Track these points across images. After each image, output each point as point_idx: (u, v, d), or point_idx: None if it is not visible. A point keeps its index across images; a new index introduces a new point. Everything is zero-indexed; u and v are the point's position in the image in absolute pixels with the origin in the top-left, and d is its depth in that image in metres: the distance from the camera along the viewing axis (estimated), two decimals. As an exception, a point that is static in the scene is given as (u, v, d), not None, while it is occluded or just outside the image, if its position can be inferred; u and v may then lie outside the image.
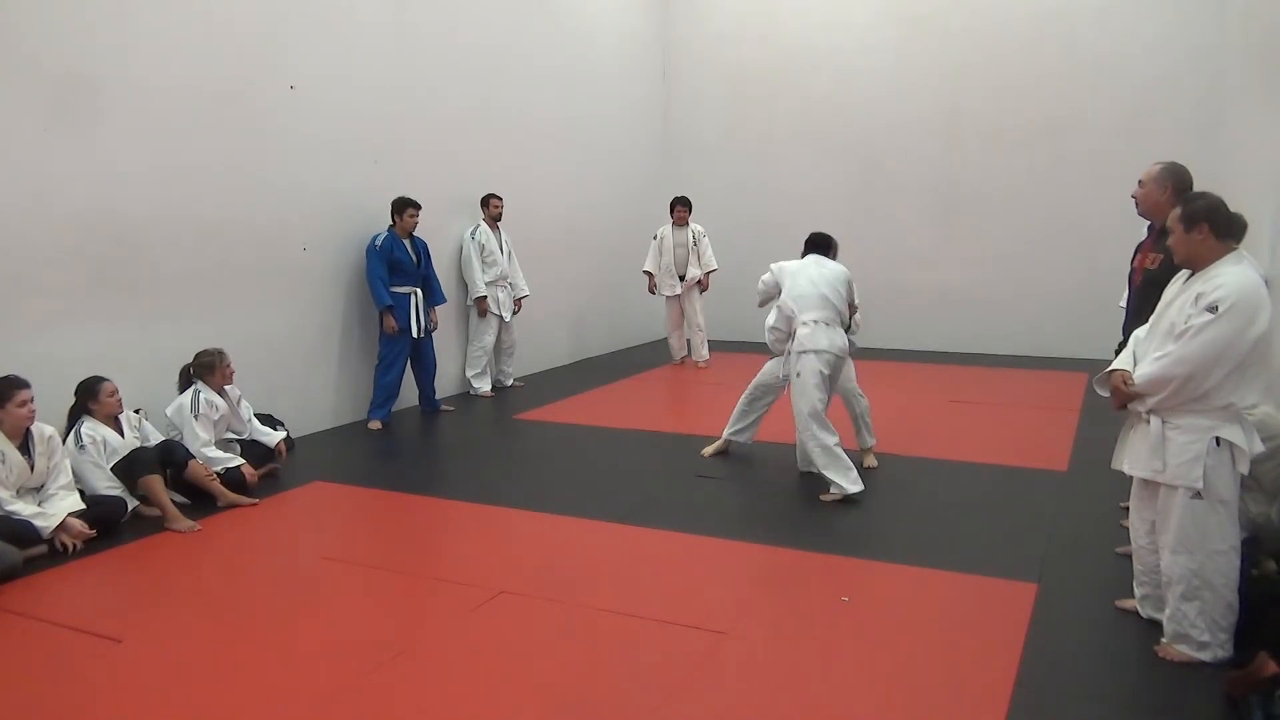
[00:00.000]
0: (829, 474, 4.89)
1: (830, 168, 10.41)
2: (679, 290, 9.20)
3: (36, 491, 4.31)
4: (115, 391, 4.73)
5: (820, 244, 5.40)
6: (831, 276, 5.13)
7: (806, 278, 5.10)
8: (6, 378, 4.23)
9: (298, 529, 4.68)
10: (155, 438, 4.92)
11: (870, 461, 5.50)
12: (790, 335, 5.08)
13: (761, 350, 5.37)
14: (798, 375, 5.00)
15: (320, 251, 6.53)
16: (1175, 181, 3.81)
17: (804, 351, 4.98)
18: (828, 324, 5.00)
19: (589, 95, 9.74)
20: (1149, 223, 4.06)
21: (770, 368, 5.50)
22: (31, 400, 4.24)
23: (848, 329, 5.19)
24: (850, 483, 4.86)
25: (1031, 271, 9.57)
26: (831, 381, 5.10)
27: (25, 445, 4.27)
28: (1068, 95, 9.31)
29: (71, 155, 4.94)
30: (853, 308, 5.27)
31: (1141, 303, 3.81)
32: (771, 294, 5.29)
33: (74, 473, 4.48)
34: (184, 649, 3.27)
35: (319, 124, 6.42)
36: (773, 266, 5.33)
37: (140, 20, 5.26)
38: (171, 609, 3.65)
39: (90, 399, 4.67)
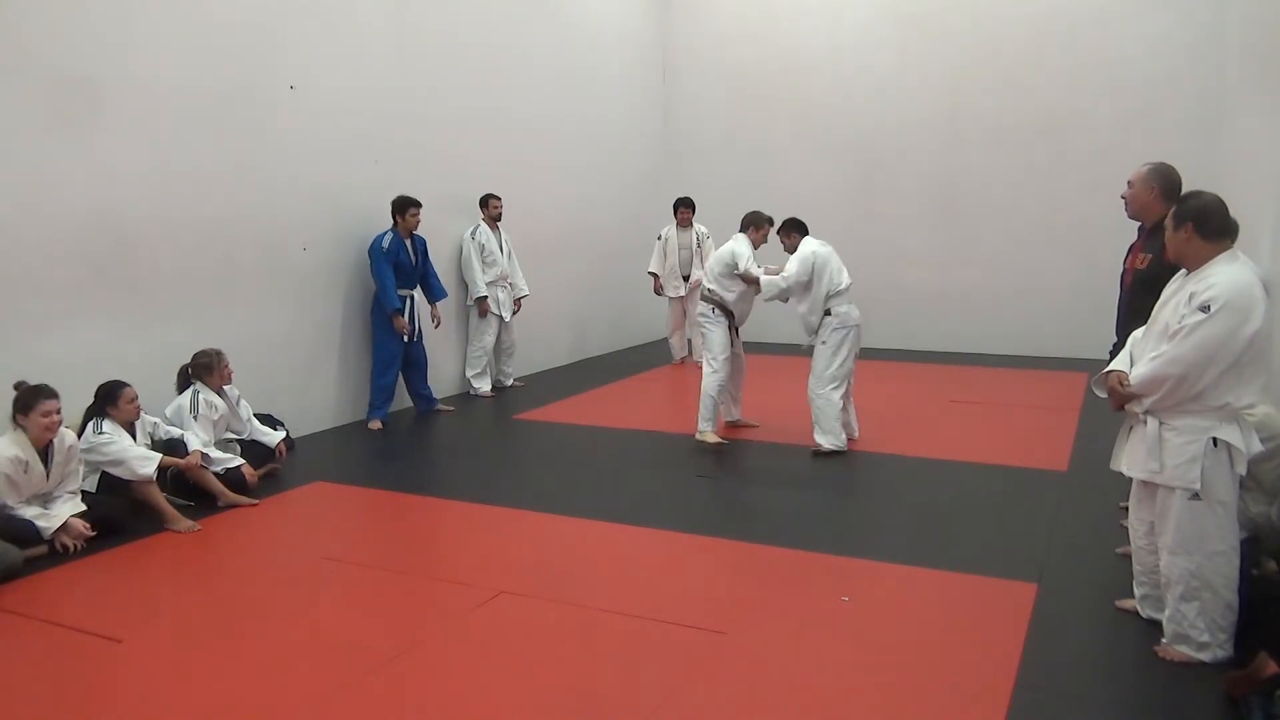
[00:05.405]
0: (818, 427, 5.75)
1: (830, 168, 10.40)
2: (683, 292, 9.19)
3: (43, 497, 4.28)
4: (135, 398, 4.68)
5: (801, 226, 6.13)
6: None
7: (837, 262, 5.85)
8: (36, 387, 4.19)
9: (298, 529, 4.69)
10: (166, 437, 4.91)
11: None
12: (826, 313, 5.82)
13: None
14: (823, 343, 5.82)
15: (320, 251, 6.54)
16: (1162, 182, 3.82)
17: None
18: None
19: (589, 95, 9.74)
20: (1140, 223, 4.07)
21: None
22: (57, 412, 4.18)
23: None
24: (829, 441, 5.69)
25: (1031, 271, 9.56)
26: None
27: (45, 453, 4.23)
28: (1068, 95, 9.30)
29: (71, 155, 4.94)
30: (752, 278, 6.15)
31: (1132, 303, 3.82)
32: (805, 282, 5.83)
33: (101, 453, 4.49)
34: (184, 649, 3.27)
35: (319, 124, 6.42)
36: (802, 256, 5.87)
37: (140, 20, 5.26)
38: (171, 609, 3.65)
39: (109, 404, 4.60)
